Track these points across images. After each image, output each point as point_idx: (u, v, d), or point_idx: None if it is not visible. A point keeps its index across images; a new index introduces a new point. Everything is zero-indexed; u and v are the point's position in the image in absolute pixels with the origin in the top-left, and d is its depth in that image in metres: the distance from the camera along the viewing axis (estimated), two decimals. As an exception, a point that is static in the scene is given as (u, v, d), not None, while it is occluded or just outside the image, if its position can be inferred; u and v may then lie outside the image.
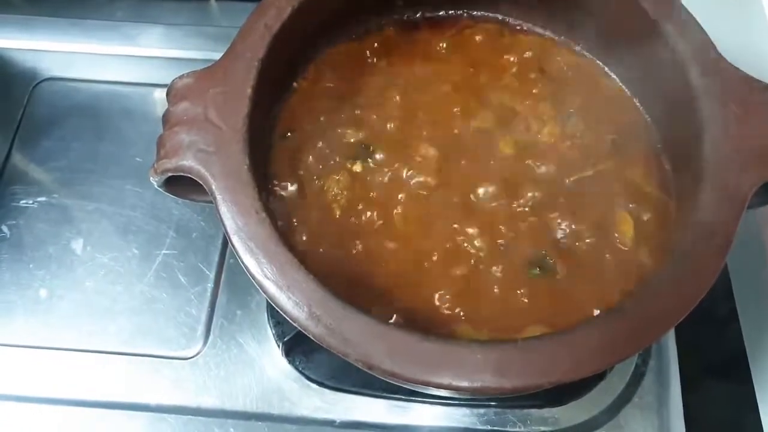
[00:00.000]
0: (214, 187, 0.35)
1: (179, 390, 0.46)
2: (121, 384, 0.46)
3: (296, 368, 0.46)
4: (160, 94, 0.57)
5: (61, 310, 0.48)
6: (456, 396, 0.44)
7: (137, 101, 0.57)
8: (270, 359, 0.47)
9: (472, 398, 0.45)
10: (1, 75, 0.58)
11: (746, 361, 0.52)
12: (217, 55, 0.39)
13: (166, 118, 0.37)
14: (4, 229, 0.51)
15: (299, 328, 0.32)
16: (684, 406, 0.46)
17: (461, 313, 0.37)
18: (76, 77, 0.58)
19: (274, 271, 0.33)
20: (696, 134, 0.37)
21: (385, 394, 0.45)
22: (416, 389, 0.39)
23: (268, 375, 0.46)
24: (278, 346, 0.47)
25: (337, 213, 0.40)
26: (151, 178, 0.37)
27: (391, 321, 0.35)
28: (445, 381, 0.31)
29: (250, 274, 0.33)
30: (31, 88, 0.57)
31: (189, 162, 0.35)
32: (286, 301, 0.32)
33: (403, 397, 0.45)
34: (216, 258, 0.50)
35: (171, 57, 0.59)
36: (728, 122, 0.36)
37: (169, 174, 0.36)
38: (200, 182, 0.35)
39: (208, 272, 0.50)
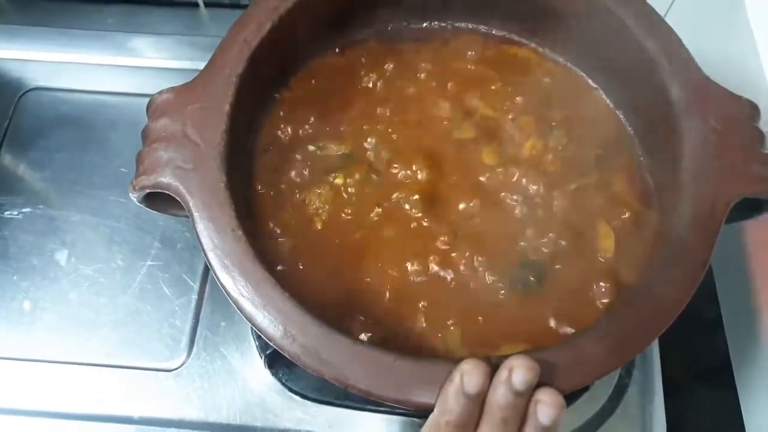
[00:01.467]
0: (191, 205, 0.35)
1: (163, 402, 0.46)
2: (105, 396, 0.46)
3: (279, 380, 0.46)
4: (144, 105, 0.57)
5: (44, 322, 0.49)
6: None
7: (124, 111, 0.57)
8: (253, 371, 0.47)
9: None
10: (-13, 85, 0.58)
11: (730, 368, 0.52)
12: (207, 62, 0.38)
13: (145, 134, 0.37)
14: (-11, 240, 0.51)
15: (274, 346, 0.32)
16: (668, 412, 0.46)
17: (440, 329, 0.37)
18: (63, 87, 0.58)
19: (249, 289, 0.33)
20: (676, 149, 0.37)
21: (368, 407, 0.45)
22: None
23: (252, 387, 0.46)
24: (261, 358, 0.47)
25: (318, 226, 0.40)
26: (131, 194, 0.37)
27: (368, 337, 0.35)
28: (422, 400, 0.31)
29: (226, 291, 0.33)
30: (17, 98, 0.57)
31: (167, 179, 0.35)
32: (262, 320, 0.32)
33: (385, 410, 0.45)
34: (200, 269, 0.50)
35: (160, 67, 0.60)
36: (708, 137, 0.36)
37: (148, 190, 0.36)
38: (178, 199, 0.35)
39: (192, 283, 0.50)
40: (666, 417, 0.47)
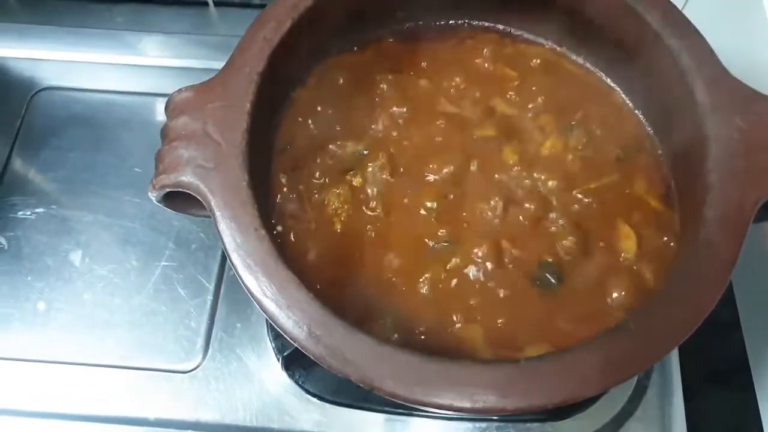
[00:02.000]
0: (212, 204, 0.34)
1: (178, 404, 0.46)
2: (120, 398, 0.46)
3: (296, 382, 0.46)
4: (159, 104, 0.57)
5: (59, 323, 0.48)
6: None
7: (136, 110, 0.57)
8: (270, 373, 0.46)
9: (476, 415, 0.44)
10: (-1, 85, 0.57)
11: (748, 369, 0.52)
12: (216, 64, 0.38)
13: (164, 132, 0.37)
14: (2, 240, 0.51)
15: (299, 347, 0.32)
16: (687, 414, 0.46)
17: (463, 329, 0.37)
18: (75, 86, 0.58)
19: (273, 290, 0.32)
20: (700, 149, 0.37)
21: (385, 409, 0.45)
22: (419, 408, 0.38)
23: (268, 389, 0.46)
24: (278, 360, 0.47)
25: (338, 227, 0.40)
26: (150, 193, 0.37)
27: (393, 339, 0.35)
28: (447, 402, 0.30)
29: (250, 292, 0.33)
30: (30, 97, 0.57)
31: (188, 178, 0.35)
32: (286, 320, 0.32)
33: (403, 411, 0.45)
34: (215, 270, 0.50)
35: (170, 66, 0.59)
36: (732, 137, 0.36)
37: (168, 190, 0.36)
38: (199, 198, 0.35)
39: (207, 284, 0.49)
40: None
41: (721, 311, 0.54)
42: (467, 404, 0.30)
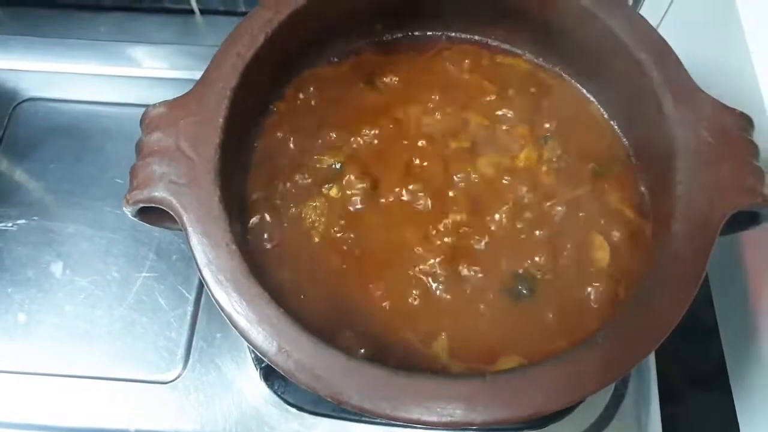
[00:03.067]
0: (185, 219, 0.35)
1: (159, 414, 0.46)
2: (101, 409, 0.46)
3: (275, 392, 0.46)
4: (140, 115, 0.57)
5: (39, 335, 0.48)
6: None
7: (119, 121, 0.57)
8: (249, 383, 0.47)
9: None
10: (-20, 96, 0.58)
11: (726, 373, 0.52)
12: (200, 75, 0.38)
13: (139, 147, 0.37)
14: (-17, 252, 0.51)
15: (269, 362, 0.32)
16: (664, 418, 0.46)
17: (432, 343, 0.37)
18: (57, 97, 0.58)
19: (243, 305, 0.33)
20: (670, 161, 0.37)
21: (364, 419, 0.45)
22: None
23: (248, 399, 0.46)
24: (257, 370, 0.47)
25: (316, 239, 0.40)
26: (124, 208, 0.37)
27: (362, 352, 0.35)
28: (414, 416, 0.31)
29: (220, 307, 0.33)
30: (12, 108, 0.57)
31: (160, 193, 0.35)
32: (256, 336, 0.32)
33: (382, 422, 0.45)
34: (196, 281, 0.50)
35: (155, 77, 0.59)
36: (701, 150, 0.36)
37: (141, 205, 0.36)
38: (172, 213, 0.35)
39: (188, 295, 0.50)
40: (662, 423, 0.46)
41: (700, 316, 0.55)
42: (434, 418, 0.31)
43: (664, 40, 0.39)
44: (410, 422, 0.31)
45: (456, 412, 0.30)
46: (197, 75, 0.38)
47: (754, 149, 0.36)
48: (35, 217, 0.52)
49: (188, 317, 0.49)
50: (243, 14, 0.65)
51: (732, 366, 0.52)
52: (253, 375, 0.47)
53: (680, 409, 0.49)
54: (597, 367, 0.32)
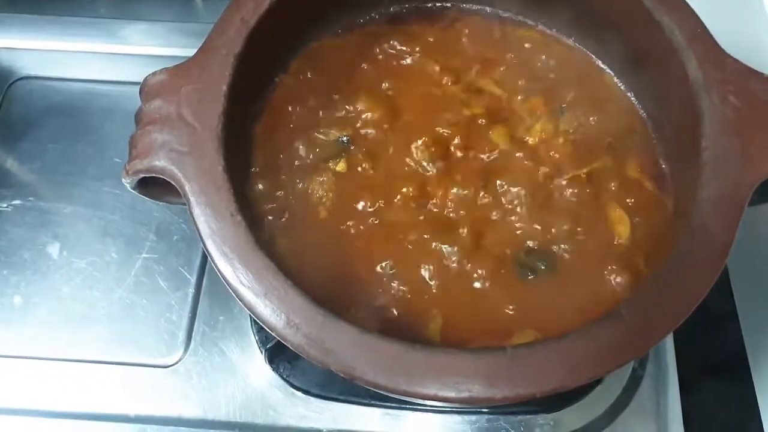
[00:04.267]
0: (187, 189, 0.33)
1: (160, 399, 0.45)
2: (100, 394, 0.45)
3: (280, 376, 0.45)
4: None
5: (36, 318, 0.47)
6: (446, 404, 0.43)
7: (116, 100, 0.56)
8: (253, 366, 0.45)
9: (462, 406, 0.43)
10: (-26, 74, 0.56)
11: (746, 361, 0.51)
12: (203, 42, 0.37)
13: (138, 116, 0.36)
14: (-22, 233, 0.50)
15: (277, 337, 0.30)
16: (683, 407, 0.45)
17: (449, 317, 0.35)
18: (54, 76, 0.56)
19: (249, 277, 0.31)
20: (694, 129, 0.36)
21: (373, 402, 0.44)
22: (403, 399, 0.37)
23: (252, 383, 0.45)
24: (262, 353, 0.45)
25: (323, 215, 0.39)
26: (123, 179, 0.36)
27: (374, 328, 0.34)
28: (431, 392, 0.29)
29: (225, 280, 0.32)
30: (7, 87, 0.55)
31: (161, 162, 0.34)
32: (263, 309, 0.31)
33: (392, 404, 0.44)
34: (198, 262, 0.49)
35: (153, 54, 0.58)
36: (727, 115, 0.35)
37: (141, 175, 0.35)
38: (173, 183, 0.34)
39: (189, 276, 0.48)
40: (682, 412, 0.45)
41: (718, 303, 0.54)
42: (452, 394, 0.29)
43: (687, 4, 0.38)
44: (427, 398, 0.29)
45: (475, 387, 0.29)
46: (195, 52, 0.37)
47: (783, 114, 0.35)
48: (31, 198, 0.51)
49: (190, 299, 0.47)
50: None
51: (753, 354, 0.51)
52: (257, 358, 0.45)
53: (699, 398, 0.48)
54: (621, 340, 0.30)
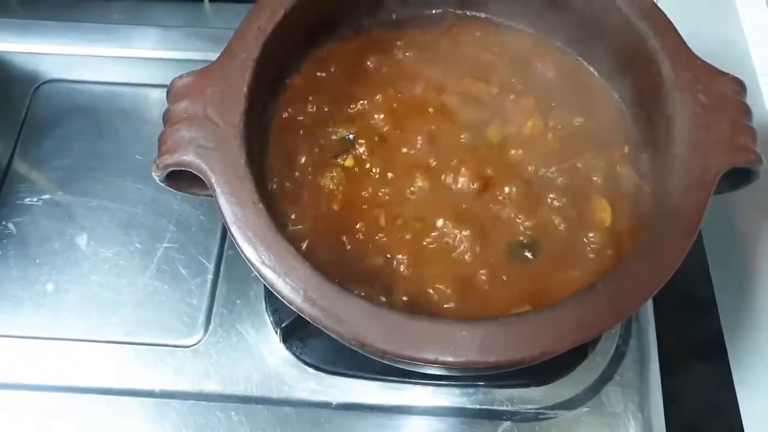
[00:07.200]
0: (213, 181, 0.37)
1: (182, 376, 0.48)
2: (127, 372, 0.48)
3: (293, 353, 0.48)
4: (156, 94, 0.59)
5: (67, 303, 0.50)
6: (446, 375, 0.46)
7: (135, 101, 0.59)
8: (268, 346, 0.49)
9: (461, 377, 0.47)
10: (3, 78, 0.59)
11: (723, 345, 0.54)
12: (211, 56, 0.41)
13: (166, 116, 0.39)
14: (11, 226, 0.53)
15: (296, 310, 0.34)
16: (663, 387, 0.48)
17: (451, 300, 0.39)
18: (76, 79, 0.60)
19: (271, 258, 0.35)
20: (668, 123, 0.39)
21: (378, 376, 0.47)
22: (408, 367, 0.41)
23: (267, 361, 0.48)
24: (276, 333, 0.49)
25: (335, 207, 0.42)
26: (153, 173, 0.39)
27: (382, 301, 0.37)
28: (432, 356, 0.33)
29: (249, 261, 0.35)
30: (33, 90, 0.59)
31: (189, 157, 0.37)
32: (283, 286, 0.34)
33: (396, 378, 0.47)
34: (215, 250, 0.52)
35: (166, 58, 0.61)
36: (696, 111, 0.39)
37: (171, 169, 0.38)
38: (200, 176, 0.37)
39: (207, 264, 0.52)
40: (662, 396, 0.48)
41: (698, 291, 0.57)
42: (451, 359, 0.33)
43: (662, 11, 0.41)
44: (428, 362, 0.33)
45: (472, 353, 0.33)
46: (208, 56, 0.41)
47: (747, 111, 0.39)
48: (59, 193, 0.54)
49: (208, 285, 0.51)
50: (249, 0, 0.67)
51: (730, 339, 0.54)
52: (272, 338, 0.49)
53: (679, 380, 0.51)
54: (602, 310, 0.34)
